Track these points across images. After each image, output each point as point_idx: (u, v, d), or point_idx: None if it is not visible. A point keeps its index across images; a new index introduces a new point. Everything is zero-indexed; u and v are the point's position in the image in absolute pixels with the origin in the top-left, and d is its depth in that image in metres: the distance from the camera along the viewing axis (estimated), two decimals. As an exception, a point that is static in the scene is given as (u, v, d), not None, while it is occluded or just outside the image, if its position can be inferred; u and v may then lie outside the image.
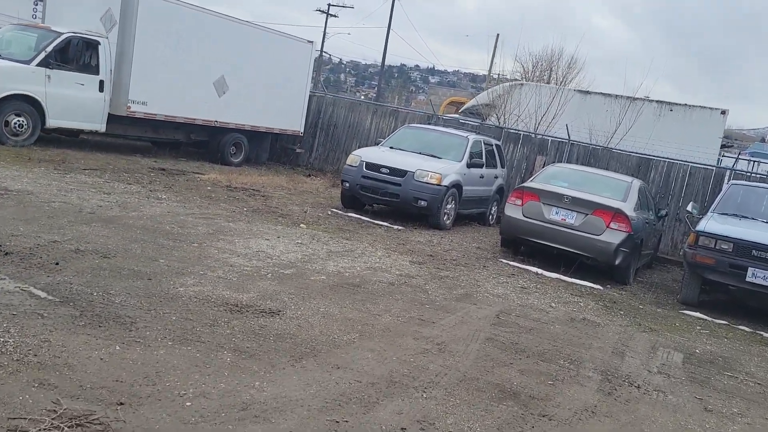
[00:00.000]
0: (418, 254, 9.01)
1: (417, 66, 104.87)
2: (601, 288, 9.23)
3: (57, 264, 5.43)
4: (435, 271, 8.13)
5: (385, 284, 7.02)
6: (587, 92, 18.97)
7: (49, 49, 11.98)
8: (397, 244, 9.54)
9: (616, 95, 17.80)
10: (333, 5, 52.90)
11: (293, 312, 5.43)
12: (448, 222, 12.00)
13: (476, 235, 12.05)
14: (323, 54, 56.01)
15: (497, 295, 7.55)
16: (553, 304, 7.65)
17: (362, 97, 52.27)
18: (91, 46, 12.69)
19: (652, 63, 38.34)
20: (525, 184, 10.46)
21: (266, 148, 17.36)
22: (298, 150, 18.18)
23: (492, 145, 14.02)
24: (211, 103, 14.85)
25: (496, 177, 14.00)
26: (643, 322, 7.72)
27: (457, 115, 19.33)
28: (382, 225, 10.99)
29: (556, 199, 9.79)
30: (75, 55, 12.31)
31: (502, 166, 14.44)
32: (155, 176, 11.47)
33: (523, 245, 10.52)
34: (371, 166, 11.74)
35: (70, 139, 13.47)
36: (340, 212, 11.51)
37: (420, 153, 12.38)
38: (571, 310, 7.58)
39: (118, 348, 4.04)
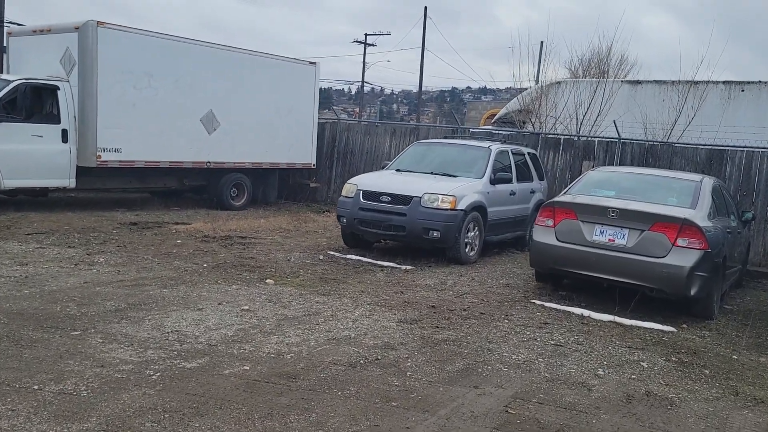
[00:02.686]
0: (415, 307, 6.75)
1: (468, 87, 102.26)
2: (673, 330, 6.70)
3: None
4: (430, 333, 5.85)
5: (343, 368, 4.80)
6: (637, 82, 16.28)
7: (-5, 100, 10.54)
8: (393, 293, 7.31)
9: (673, 81, 15.08)
10: (370, 34, 51.67)
11: (140, 454, 3.31)
12: (472, 254, 9.69)
13: (508, 266, 9.66)
14: (366, 84, 54.64)
15: (516, 365, 5.20)
16: (600, 371, 5.23)
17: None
18: (49, 92, 11.20)
19: (709, 45, 34.21)
20: (556, 199, 8.02)
21: (274, 186, 15.46)
22: (312, 184, 16.22)
23: (524, 155, 11.67)
24: (201, 142, 13.13)
25: (533, 192, 11.60)
26: (742, 386, 5.19)
27: (488, 127, 17.01)
28: (385, 266, 8.80)
29: (598, 214, 7.35)
30: (27, 103, 10.83)
31: (540, 178, 12.04)
32: (116, 233, 9.69)
33: (565, 277, 8.11)
34: (369, 195, 9.62)
35: (40, 200, 11.95)
36: (337, 254, 9.40)
37: (432, 173, 10.19)
38: (629, 378, 5.14)
39: None
